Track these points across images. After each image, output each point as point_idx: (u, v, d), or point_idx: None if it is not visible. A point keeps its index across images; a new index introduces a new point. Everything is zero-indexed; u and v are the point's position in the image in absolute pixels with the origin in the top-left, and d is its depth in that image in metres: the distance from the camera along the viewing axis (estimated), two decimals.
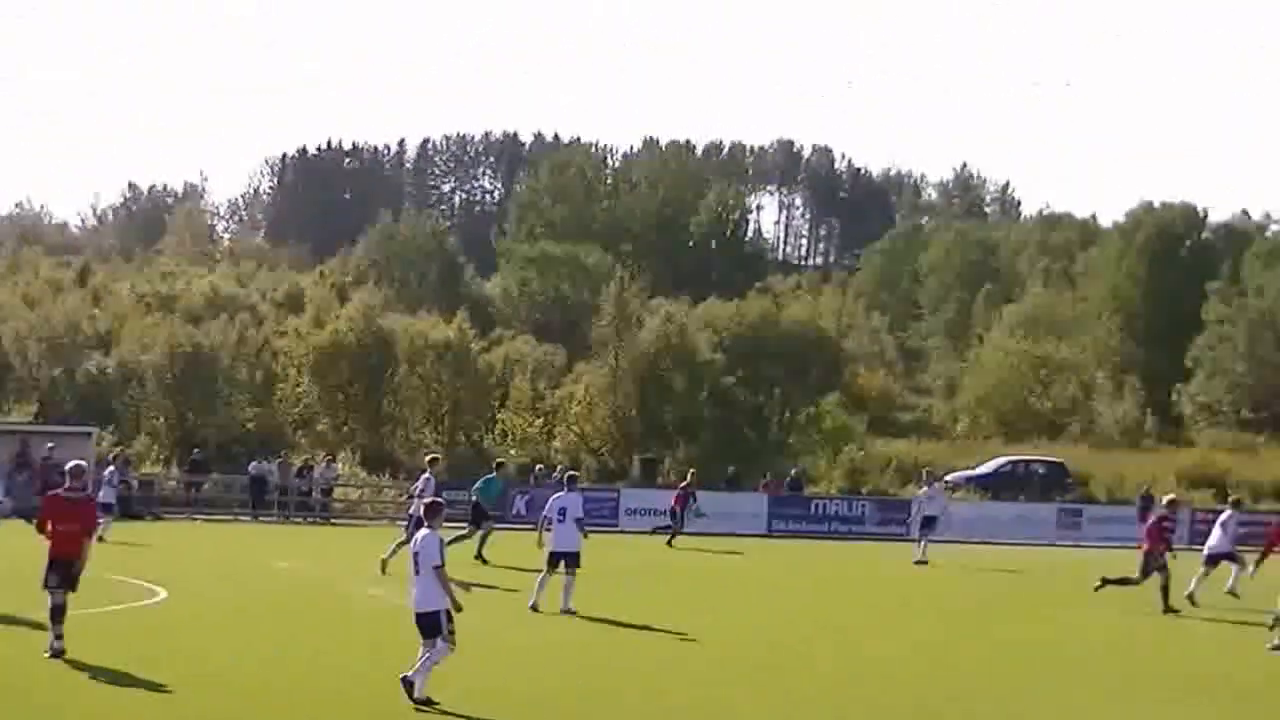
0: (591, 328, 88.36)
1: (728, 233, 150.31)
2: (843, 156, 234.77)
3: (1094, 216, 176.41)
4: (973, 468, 77.89)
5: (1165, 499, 35.53)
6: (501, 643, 23.54)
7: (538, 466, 64.72)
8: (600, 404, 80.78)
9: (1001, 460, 78.85)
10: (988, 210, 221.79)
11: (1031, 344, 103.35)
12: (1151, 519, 36.55)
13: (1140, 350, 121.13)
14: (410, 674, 18.39)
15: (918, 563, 46.10)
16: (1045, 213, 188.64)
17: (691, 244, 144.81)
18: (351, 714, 18.54)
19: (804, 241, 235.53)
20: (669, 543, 50.63)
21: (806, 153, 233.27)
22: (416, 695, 18.24)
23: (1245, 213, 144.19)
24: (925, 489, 50.22)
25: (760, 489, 65.40)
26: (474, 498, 40.70)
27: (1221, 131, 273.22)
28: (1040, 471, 77.30)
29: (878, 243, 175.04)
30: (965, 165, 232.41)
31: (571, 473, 32.73)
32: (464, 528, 38.87)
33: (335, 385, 77.62)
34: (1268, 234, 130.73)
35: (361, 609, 29.47)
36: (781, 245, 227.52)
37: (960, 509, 65.03)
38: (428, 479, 35.75)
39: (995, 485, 73.76)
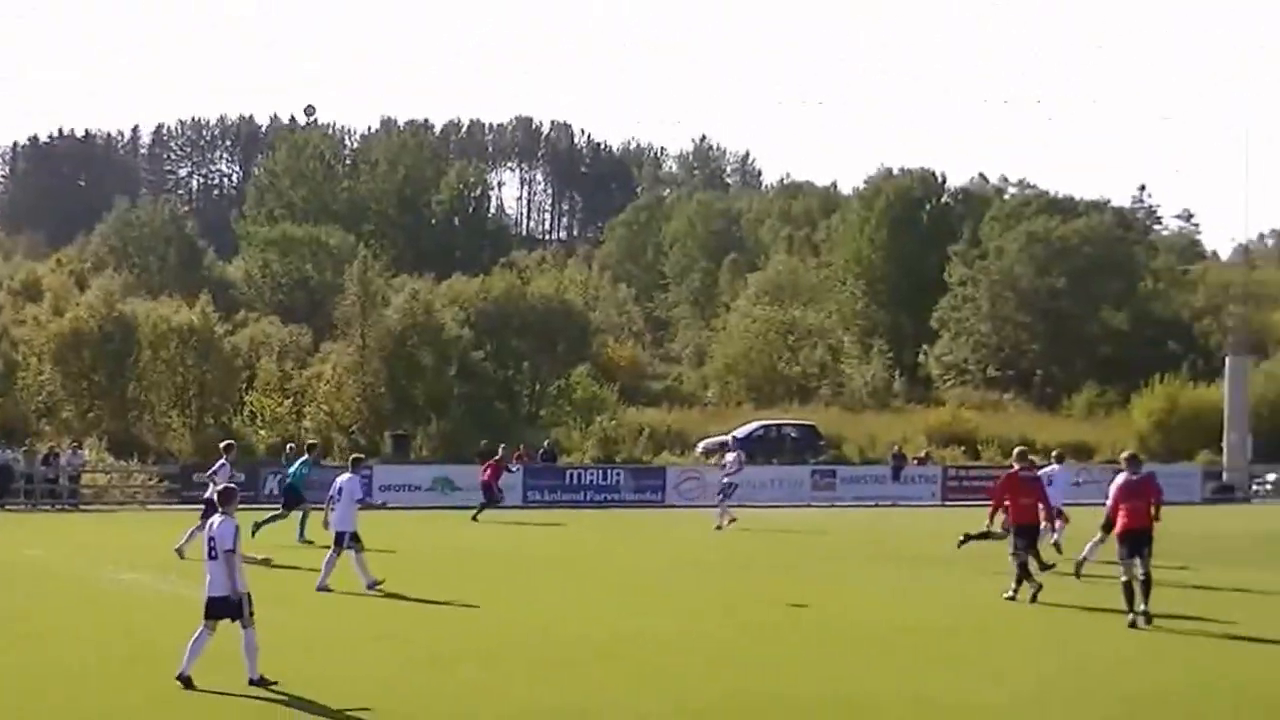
0: (336, 308, 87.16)
1: (470, 210, 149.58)
2: (582, 132, 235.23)
3: (834, 184, 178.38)
4: (726, 433, 77.92)
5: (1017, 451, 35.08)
6: (294, 626, 22.59)
7: (289, 446, 63.83)
8: (349, 383, 79.81)
9: (754, 425, 79.05)
10: (729, 181, 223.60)
11: (777, 310, 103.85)
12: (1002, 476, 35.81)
13: (886, 313, 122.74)
14: (185, 671, 17.83)
15: (719, 529, 45.86)
16: (786, 181, 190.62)
17: (434, 222, 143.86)
18: (108, 693, 17.56)
19: (547, 216, 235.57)
20: (474, 517, 49.91)
21: (546, 129, 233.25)
22: (253, 677, 17.94)
23: (983, 176, 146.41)
24: (730, 456, 49.93)
25: (514, 461, 64.70)
26: (288, 480, 40.37)
27: (957, 97, 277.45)
28: (793, 435, 77.64)
29: (620, 215, 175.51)
30: (705, 137, 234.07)
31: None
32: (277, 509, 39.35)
33: (78, 372, 75.91)
34: (1005, 197, 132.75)
35: (114, 593, 28.41)
36: (525, 221, 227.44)
37: (717, 474, 65.08)
38: (223, 464, 35.07)
39: (750, 449, 73.73)
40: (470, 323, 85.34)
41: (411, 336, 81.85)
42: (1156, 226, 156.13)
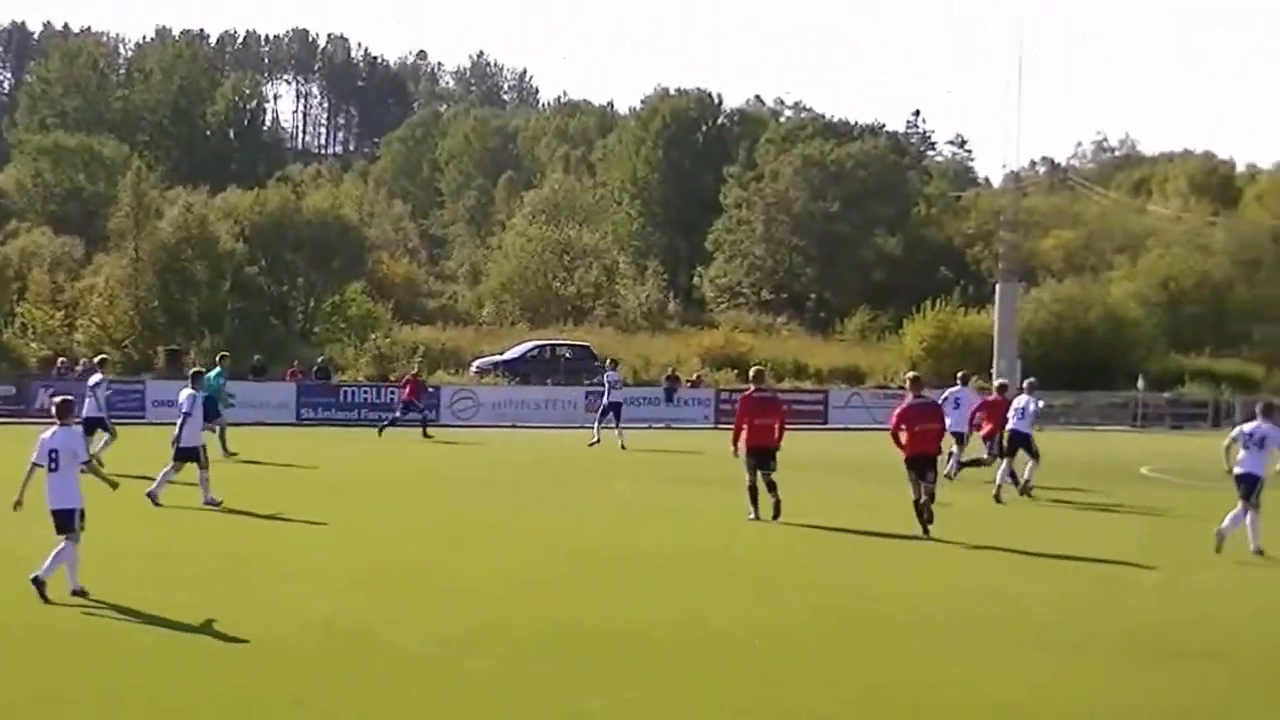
0: (109, 219, 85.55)
1: (245, 122, 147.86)
2: (359, 45, 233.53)
3: (611, 104, 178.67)
4: (501, 353, 77.75)
5: (998, 382, 35.52)
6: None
7: (60, 360, 63.14)
8: (122, 296, 78.47)
9: (529, 345, 78.89)
10: (506, 98, 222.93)
11: (553, 230, 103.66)
12: (978, 400, 36.21)
13: (661, 234, 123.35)
14: (41, 574, 17.82)
15: (592, 445, 46.21)
16: (563, 100, 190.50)
17: (209, 134, 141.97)
18: None
19: (323, 130, 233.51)
20: (425, 434, 50.79)
21: (322, 41, 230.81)
22: (74, 588, 17.98)
23: (759, 98, 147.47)
24: (609, 375, 49.89)
25: (287, 377, 64.07)
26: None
27: (735, 19, 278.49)
28: (567, 355, 77.56)
29: (396, 131, 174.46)
30: (482, 53, 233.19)
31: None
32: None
33: None
34: (781, 120, 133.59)
35: None
36: (300, 134, 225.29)
37: (491, 393, 65.00)
38: (101, 379, 35.34)
39: (523, 370, 73.69)
40: (245, 237, 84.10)
41: (185, 250, 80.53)
42: (930, 152, 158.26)
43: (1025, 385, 35.81)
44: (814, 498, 31.28)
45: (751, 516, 27.35)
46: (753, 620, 17.67)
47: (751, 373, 29.59)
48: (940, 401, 32.10)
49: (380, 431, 51.30)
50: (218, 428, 39.05)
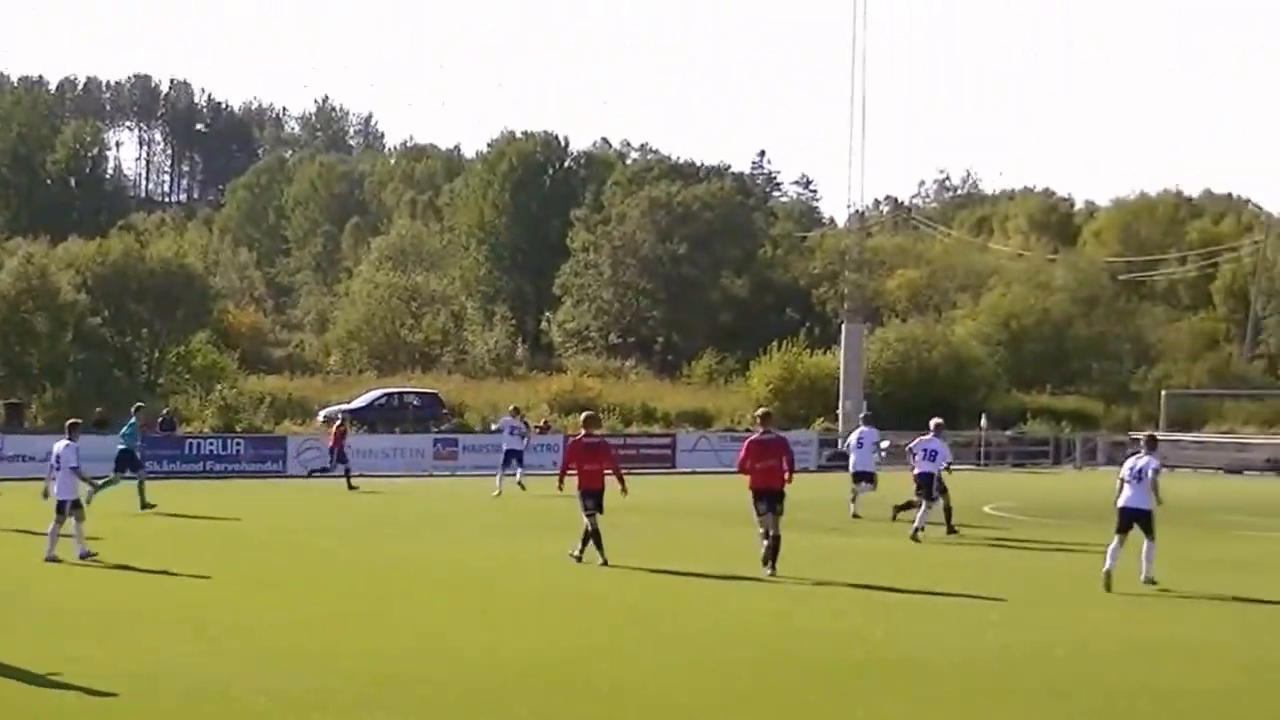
0: None
1: (87, 170, 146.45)
2: (202, 90, 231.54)
3: (458, 147, 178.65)
4: (348, 401, 77.41)
5: (933, 423, 35.65)
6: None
7: None
8: None
9: (376, 393, 78.66)
10: (351, 143, 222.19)
11: (400, 276, 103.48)
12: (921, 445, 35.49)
13: (509, 279, 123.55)
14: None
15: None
16: (409, 144, 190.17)
17: (49, 182, 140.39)
18: None
19: (166, 178, 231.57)
20: (350, 486, 50.44)
21: (165, 87, 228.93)
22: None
23: (605, 141, 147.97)
24: (507, 422, 49.99)
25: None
26: (121, 445, 40.42)
27: (579, 61, 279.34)
28: (415, 403, 77.42)
29: (241, 178, 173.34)
30: (327, 98, 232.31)
31: (73, 421, 31.62)
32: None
33: None
34: (628, 161, 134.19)
35: None
36: (144, 182, 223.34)
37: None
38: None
39: (371, 418, 73.43)
40: (87, 287, 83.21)
41: (26, 301, 79.60)
42: (776, 193, 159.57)
43: (861, 418, 36.42)
44: (662, 542, 31.45)
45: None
46: (599, 664, 17.76)
47: (583, 417, 30.34)
48: (908, 449, 35.04)
49: (350, 485, 50.61)
50: (138, 479, 39.29)
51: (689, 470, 64.73)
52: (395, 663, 18.28)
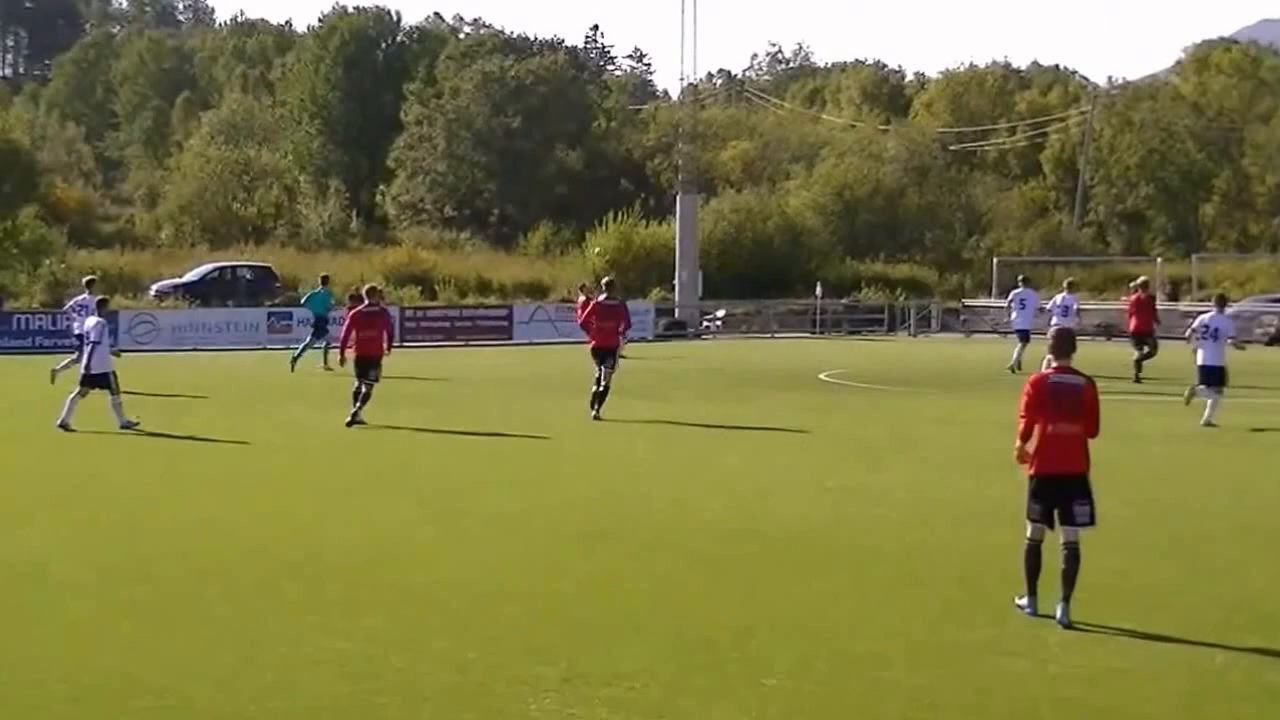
0: None
1: None
2: None
3: (289, 22, 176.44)
4: (180, 275, 76.59)
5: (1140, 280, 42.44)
6: None
7: None
8: None
9: (208, 267, 77.83)
10: (181, 18, 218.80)
11: (232, 150, 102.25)
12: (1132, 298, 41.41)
13: (342, 153, 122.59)
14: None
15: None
16: (240, 19, 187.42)
17: None
18: None
19: None
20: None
21: None
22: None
23: (438, 15, 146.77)
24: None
25: None
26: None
27: None
28: (248, 277, 76.68)
29: (68, 53, 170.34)
30: None
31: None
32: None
33: None
34: (460, 36, 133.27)
35: None
36: None
37: (171, 316, 63.96)
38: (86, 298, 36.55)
39: (203, 292, 72.69)
40: None
41: None
42: (610, 67, 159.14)
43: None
44: (499, 413, 31.68)
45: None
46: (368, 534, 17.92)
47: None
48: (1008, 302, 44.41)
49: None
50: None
51: (526, 341, 64.74)
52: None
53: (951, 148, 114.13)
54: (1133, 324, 41.23)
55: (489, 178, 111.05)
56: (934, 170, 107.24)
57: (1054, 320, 37.59)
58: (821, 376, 44.12)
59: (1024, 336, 44.39)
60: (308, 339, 46.69)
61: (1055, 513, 13.52)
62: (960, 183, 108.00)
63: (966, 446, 26.31)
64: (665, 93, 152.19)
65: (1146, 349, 40.19)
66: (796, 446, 26.84)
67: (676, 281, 77.66)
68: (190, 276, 75.97)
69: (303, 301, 49.04)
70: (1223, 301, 32.35)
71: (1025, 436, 13.67)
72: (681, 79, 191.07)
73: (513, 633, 12.83)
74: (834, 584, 14.89)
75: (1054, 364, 13.89)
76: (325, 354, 44.36)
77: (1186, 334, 31.32)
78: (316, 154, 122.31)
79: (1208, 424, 28.98)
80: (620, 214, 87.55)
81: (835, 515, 19.13)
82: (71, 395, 28.63)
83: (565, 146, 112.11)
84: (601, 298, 31.94)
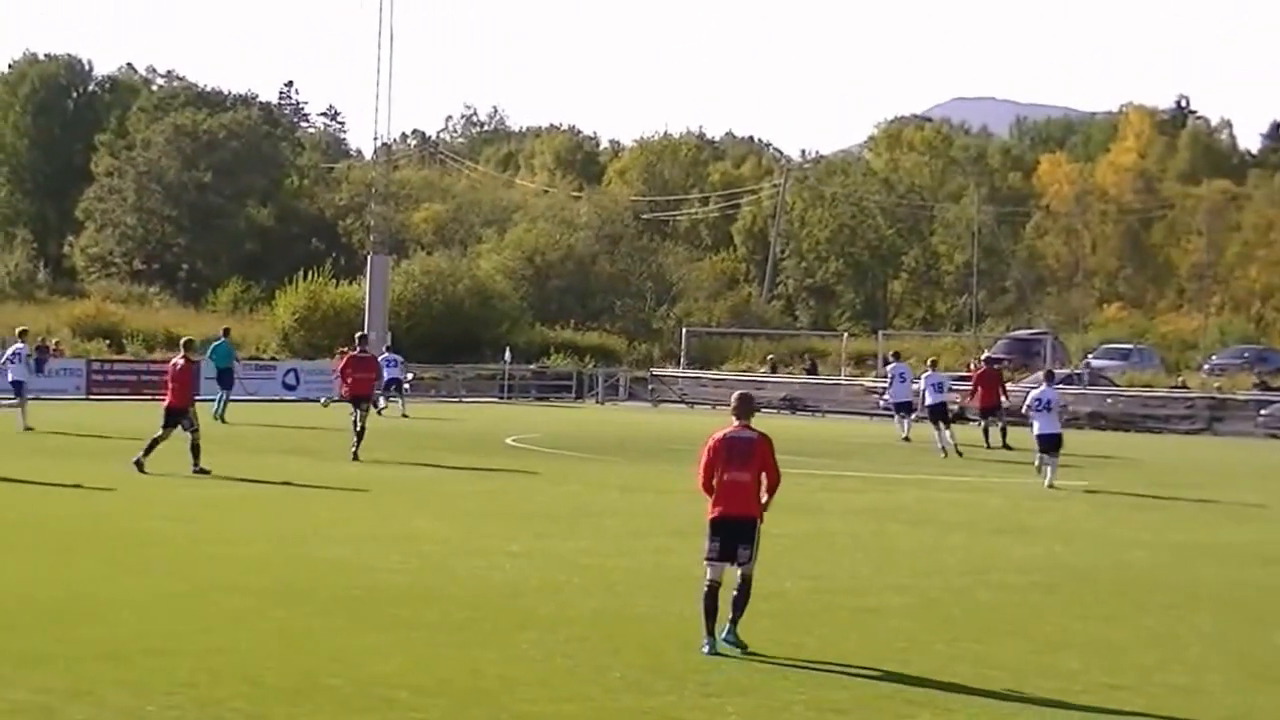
0: None
1: None
2: None
3: None
4: None
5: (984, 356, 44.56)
6: None
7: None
8: None
9: None
10: None
11: None
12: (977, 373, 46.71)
13: (30, 202, 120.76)
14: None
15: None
16: None
17: None
18: None
19: None
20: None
21: None
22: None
23: (130, 66, 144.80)
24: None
25: None
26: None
27: None
28: None
29: None
30: None
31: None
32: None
33: None
34: (153, 88, 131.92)
35: None
36: None
37: None
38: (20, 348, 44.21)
39: None
40: None
41: None
42: (303, 124, 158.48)
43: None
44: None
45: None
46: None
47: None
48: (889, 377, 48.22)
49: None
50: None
51: (211, 397, 64.02)
52: None
53: (644, 216, 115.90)
54: (978, 397, 45.54)
55: (179, 232, 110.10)
56: (626, 238, 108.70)
57: (928, 397, 43.17)
58: (508, 441, 44.65)
59: (907, 409, 47.24)
60: (221, 394, 49.64)
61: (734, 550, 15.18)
62: (652, 251, 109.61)
63: (651, 515, 26.89)
64: (359, 151, 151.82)
65: (993, 420, 44.90)
66: (481, 511, 27.16)
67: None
68: None
69: (208, 354, 49.74)
70: (1050, 376, 35.07)
71: (706, 487, 15.38)
72: (375, 138, 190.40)
73: (189, 690, 12.93)
74: (516, 648, 15.21)
75: (735, 423, 15.49)
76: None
77: (1023, 408, 35.85)
78: (3, 203, 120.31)
79: (1050, 486, 32.42)
80: (311, 272, 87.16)
81: (519, 579, 19.47)
82: None
83: (257, 203, 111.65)
84: (355, 352, 37.32)
